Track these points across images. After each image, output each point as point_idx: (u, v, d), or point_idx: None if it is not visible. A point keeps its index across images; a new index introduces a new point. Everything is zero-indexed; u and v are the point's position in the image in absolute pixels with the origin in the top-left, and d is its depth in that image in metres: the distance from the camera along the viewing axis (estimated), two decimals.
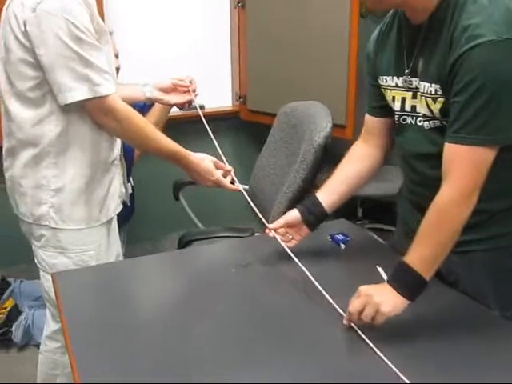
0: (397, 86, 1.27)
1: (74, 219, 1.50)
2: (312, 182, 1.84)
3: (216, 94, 3.01)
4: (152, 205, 2.79)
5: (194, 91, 1.83)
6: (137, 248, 2.40)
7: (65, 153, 1.44)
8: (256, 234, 1.84)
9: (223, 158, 1.67)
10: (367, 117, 1.44)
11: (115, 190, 1.60)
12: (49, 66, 1.34)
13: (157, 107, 2.15)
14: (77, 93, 1.35)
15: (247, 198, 1.57)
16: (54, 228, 1.48)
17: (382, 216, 2.94)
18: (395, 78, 1.27)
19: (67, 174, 1.46)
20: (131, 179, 2.18)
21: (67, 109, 1.39)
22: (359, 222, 3.23)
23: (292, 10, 2.63)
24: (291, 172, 1.88)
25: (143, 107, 2.11)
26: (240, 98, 3.00)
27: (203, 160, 1.58)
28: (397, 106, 1.28)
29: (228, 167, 1.63)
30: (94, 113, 1.42)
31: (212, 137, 1.73)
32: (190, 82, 1.85)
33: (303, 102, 2.12)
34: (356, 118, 2.51)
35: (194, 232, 1.92)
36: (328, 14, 2.54)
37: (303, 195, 1.86)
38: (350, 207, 3.20)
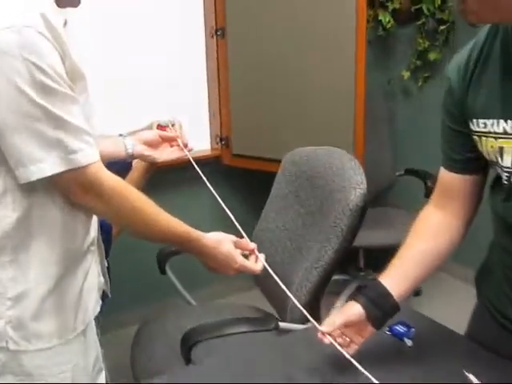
0: (505, 132, 0.93)
1: (42, 335, 1.07)
2: (346, 252, 1.47)
3: (191, 136, 2.62)
4: (131, 280, 2.36)
5: (186, 146, 1.52)
6: (119, 336, 1.94)
7: (26, 246, 1.03)
8: (281, 325, 1.45)
9: (239, 228, 1.30)
10: (444, 173, 1.11)
11: (92, 282, 1.18)
12: (2, 129, 0.94)
13: (138, 166, 1.74)
14: (45, 165, 0.96)
15: (283, 287, 1.18)
16: (14, 350, 1.04)
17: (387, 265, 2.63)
18: (502, 121, 0.93)
19: (30, 275, 1.04)
20: None
21: (30, 186, 0.99)
22: (362, 274, 2.90)
23: (283, 37, 2.30)
24: (317, 241, 1.51)
25: (123, 166, 1.69)
26: (222, 140, 2.61)
27: (221, 242, 1.21)
28: (506, 161, 0.95)
29: (252, 244, 1.25)
30: (68, 190, 1.02)
31: (214, 192, 1.44)
32: (173, 126, 1.55)
33: (314, 147, 1.77)
34: (366, 165, 2.17)
35: (200, 329, 1.47)
36: (329, 41, 2.21)
37: (335, 270, 1.50)
38: (351, 257, 2.87)
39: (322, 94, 2.27)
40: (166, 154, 1.49)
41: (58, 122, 0.96)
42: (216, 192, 1.63)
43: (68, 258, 1.08)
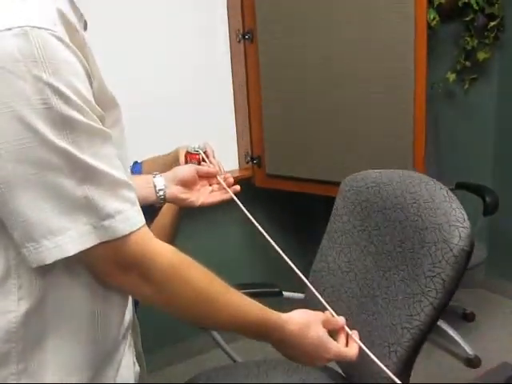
0: None
1: None
2: (446, 305, 1.18)
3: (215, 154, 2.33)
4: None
5: (231, 184, 1.29)
6: None
7: (39, 349, 0.72)
8: None
9: (299, 274, 1.05)
10: None
11: (127, 377, 0.88)
12: (1, 187, 0.65)
13: (167, 210, 1.46)
14: (67, 239, 0.66)
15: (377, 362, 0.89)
16: None
17: None
18: None
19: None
20: None
21: (44, 269, 0.68)
22: None
23: (327, 38, 2.00)
24: (404, 292, 1.22)
25: (147, 211, 1.40)
26: (253, 159, 2.32)
27: (309, 327, 0.92)
28: None
29: (340, 320, 0.97)
30: (101, 268, 0.73)
31: (262, 230, 1.20)
32: (205, 153, 1.35)
33: (381, 170, 1.48)
34: None
35: None
36: (384, 42, 1.92)
37: (431, 331, 1.20)
38: None
39: (375, 104, 1.98)
40: (205, 197, 1.24)
41: (86, 173, 0.66)
42: (247, 218, 1.37)
43: (97, 356, 0.78)
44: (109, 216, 0.68)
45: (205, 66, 2.29)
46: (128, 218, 0.70)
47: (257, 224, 1.25)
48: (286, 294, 1.62)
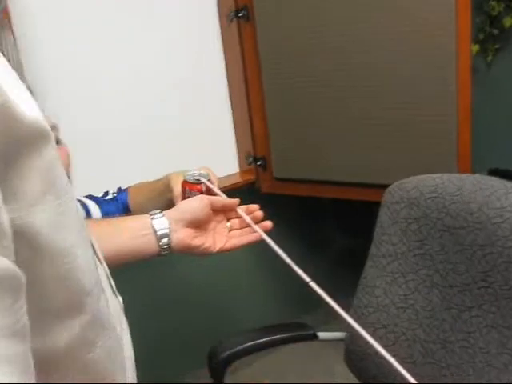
0: None
1: None
2: None
3: (210, 157, 2.01)
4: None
5: (260, 218, 0.99)
6: None
7: None
8: None
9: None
10: None
11: None
12: None
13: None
14: None
15: None
16: None
17: None
18: None
19: None
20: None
21: None
22: None
23: (345, 12, 1.66)
24: (510, 351, 0.91)
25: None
26: (256, 160, 1.98)
27: None
28: None
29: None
30: None
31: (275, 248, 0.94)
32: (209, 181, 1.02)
33: (441, 174, 1.16)
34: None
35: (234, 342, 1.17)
36: (416, 13, 1.59)
37: None
38: None
39: (404, 89, 1.65)
40: (223, 239, 0.96)
41: None
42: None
43: None
44: None
45: (192, 54, 1.94)
46: None
47: (289, 260, 0.95)
48: (321, 335, 1.31)
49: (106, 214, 1.22)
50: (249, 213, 0.97)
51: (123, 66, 1.80)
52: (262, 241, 0.97)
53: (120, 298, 0.62)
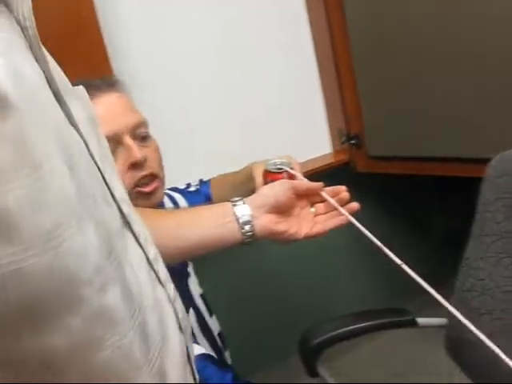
0: None
1: None
2: None
3: (301, 136, 1.97)
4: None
5: (345, 200, 0.93)
6: None
7: None
8: None
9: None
10: None
11: None
12: None
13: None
14: None
15: None
16: None
17: None
18: None
19: None
20: None
21: None
22: None
23: None
24: None
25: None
26: (349, 139, 1.92)
27: None
28: None
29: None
30: None
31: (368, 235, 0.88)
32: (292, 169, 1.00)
33: None
34: None
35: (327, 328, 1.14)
36: None
37: None
38: None
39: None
40: (309, 224, 0.91)
41: None
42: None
43: None
44: None
45: (280, 31, 1.90)
46: None
47: (380, 244, 0.88)
48: (420, 321, 1.23)
49: (190, 206, 1.23)
50: (335, 195, 0.92)
51: (214, 54, 1.80)
52: (351, 224, 0.92)
53: (169, 288, 0.58)
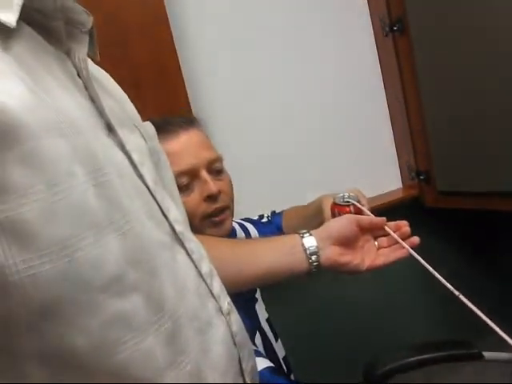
0: None
1: None
2: None
3: (372, 171, 2.02)
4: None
5: (407, 234, 0.98)
6: None
7: None
8: None
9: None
10: None
11: None
12: None
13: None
14: None
15: None
16: None
17: None
18: None
19: None
20: None
21: None
22: None
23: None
24: None
25: None
26: (419, 175, 1.95)
27: None
28: None
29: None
30: None
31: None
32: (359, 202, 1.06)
33: None
34: None
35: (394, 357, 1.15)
36: None
37: None
38: None
39: None
40: (372, 257, 0.96)
41: None
42: (420, 246, 1.03)
43: None
44: None
45: (350, 71, 1.97)
46: None
47: (437, 274, 0.92)
48: (487, 354, 1.23)
49: (261, 236, 1.30)
50: (397, 229, 0.97)
51: (281, 86, 1.89)
52: (412, 257, 0.96)
53: (223, 302, 0.63)
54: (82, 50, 0.57)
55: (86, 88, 0.55)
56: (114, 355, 0.48)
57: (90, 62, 0.61)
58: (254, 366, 0.69)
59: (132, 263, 0.49)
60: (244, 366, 0.64)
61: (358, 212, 1.04)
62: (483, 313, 0.87)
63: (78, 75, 0.56)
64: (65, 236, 0.44)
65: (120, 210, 0.50)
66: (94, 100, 0.55)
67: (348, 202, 1.06)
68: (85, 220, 0.46)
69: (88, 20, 0.58)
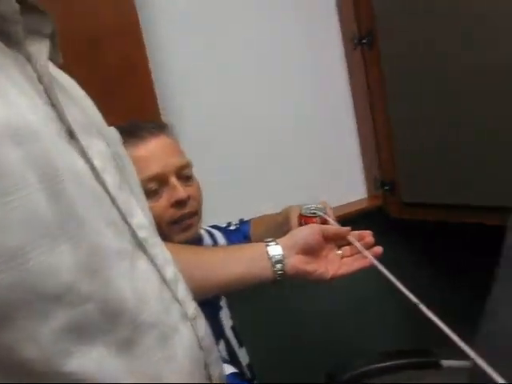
0: None
1: None
2: None
3: (337, 181, 2.05)
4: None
5: (371, 244, 1.01)
6: None
7: None
8: None
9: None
10: None
11: None
12: None
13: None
14: None
15: None
16: None
17: None
18: None
19: None
20: None
21: None
22: None
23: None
24: None
25: None
26: (383, 185, 1.98)
27: None
28: None
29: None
30: None
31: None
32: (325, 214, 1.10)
33: None
34: None
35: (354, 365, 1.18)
36: None
37: None
38: None
39: None
40: (336, 266, 0.98)
41: None
42: (384, 256, 1.05)
43: None
44: None
45: (317, 80, 2.00)
46: None
47: (398, 283, 0.94)
48: (445, 363, 1.27)
49: (229, 243, 1.31)
50: (361, 239, 1.00)
51: (250, 96, 1.90)
52: (375, 266, 0.98)
53: (188, 307, 0.62)
54: (42, 54, 0.56)
55: (47, 93, 0.54)
56: (64, 365, 0.48)
57: (53, 66, 0.60)
58: (222, 371, 0.69)
59: (86, 272, 0.49)
60: (212, 371, 0.64)
61: (325, 223, 1.07)
62: (445, 323, 0.90)
63: (39, 80, 0.55)
64: (17, 245, 0.44)
65: (74, 219, 0.49)
66: (54, 105, 0.54)
67: (315, 213, 1.08)
68: (38, 229, 0.46)
69: (49, 23, 0.57)
